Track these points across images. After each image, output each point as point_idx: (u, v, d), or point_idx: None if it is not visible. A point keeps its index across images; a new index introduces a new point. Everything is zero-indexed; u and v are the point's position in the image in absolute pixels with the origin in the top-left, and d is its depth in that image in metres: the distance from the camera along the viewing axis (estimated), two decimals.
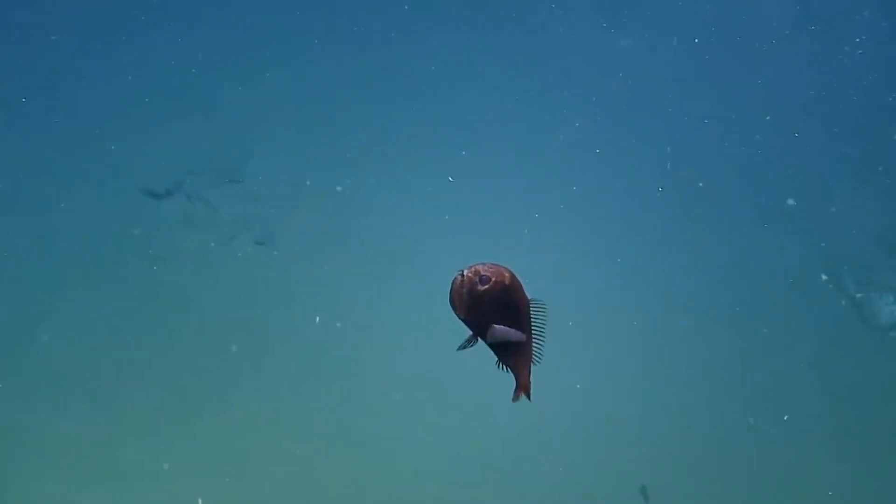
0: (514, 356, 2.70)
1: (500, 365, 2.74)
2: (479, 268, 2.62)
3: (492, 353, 2.74)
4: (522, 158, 7.26)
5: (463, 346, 2.68)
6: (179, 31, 7.55)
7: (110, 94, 7.54)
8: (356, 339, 6.92)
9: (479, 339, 2.68)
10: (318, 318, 7.04)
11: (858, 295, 7.12)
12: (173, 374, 6.90)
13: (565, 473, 6.53)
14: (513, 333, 2.64)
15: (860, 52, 7.19)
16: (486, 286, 2.60)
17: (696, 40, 7.64)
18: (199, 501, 6.59)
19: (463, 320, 2.65)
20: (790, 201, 7.33)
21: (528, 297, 2.69)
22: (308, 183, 7.25)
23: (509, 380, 2.69)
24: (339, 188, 7.24)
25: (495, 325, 2.64)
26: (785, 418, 6.75)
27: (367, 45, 7.49)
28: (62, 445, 6.74)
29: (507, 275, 2.62)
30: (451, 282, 2.66)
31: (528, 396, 2.71)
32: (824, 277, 7.17)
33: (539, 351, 2.73)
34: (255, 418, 6.87)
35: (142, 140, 7.40)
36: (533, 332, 2.71)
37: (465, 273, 2.62)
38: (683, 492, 6.63)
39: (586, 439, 6.62)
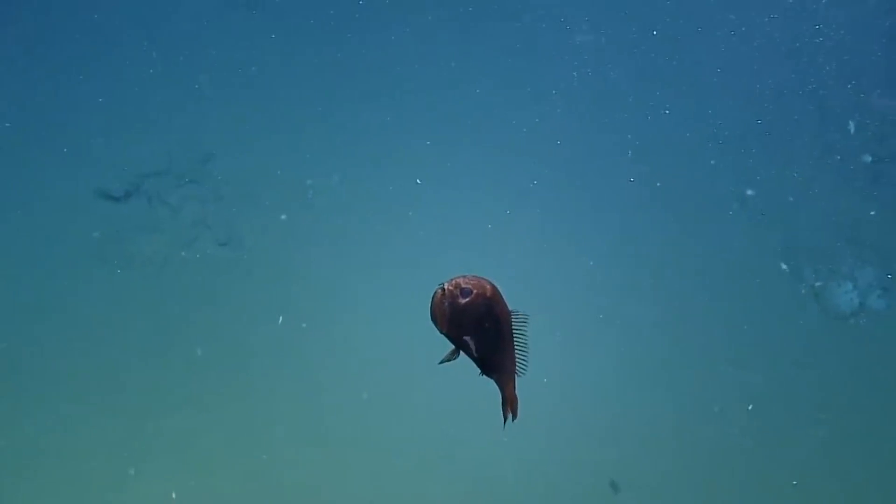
0: (498, 369, 2.70)
1: (482, 373, 2.73)
2: (460, 280, 2.61)
3: (474, 364, 2.73)
4: (486, 155, 7.26)
5: (445, 360, 2.67)
6: (133, 31, 7.43)
7: (60, 95, 7.41)
8: (322, 339, 6.89)
9: (461, 352, 2.68)
10: (280, 319, 7.00)
11: (818, 284, 7.20)
12: (138, 378, 6.83)
13: (537, 469, 6.55)
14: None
15: (819, 40, 7.26)
16: (468, 299, 2.59)
17: (655, 32, 7.66)
18: (173, 495, 6.56)
19: (445, 335, 2.64)
20: (749, 192, 7.39)
21: (510, 308, 2.69)
22: (271, 182, 7.19)
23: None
24: (302, 187, 7.19)
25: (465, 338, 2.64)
26: (749, 408, 6.83)
27: (326, 41, 7.43)
28: (24, 451, 6.66)
29: (488, 287, 2.62)
30: (431, 296, 2.64)
31: (515, 413, 2.71)
32: (784, 267, 7.25)
33: (523, 362, 2.73)
34: (222, 422, 6.82)
35: (97, 142, 7.28)
36: (515, 343, 2.71)
37: (445, 286, 2.61)
38: (653, 484, 6.69)
39: (557, 435, 6.65)
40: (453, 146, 7.29)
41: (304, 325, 6.96)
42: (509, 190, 7.21)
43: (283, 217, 7.13)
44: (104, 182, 7.11)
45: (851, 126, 7.35)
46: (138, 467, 6.64)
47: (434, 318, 2.57)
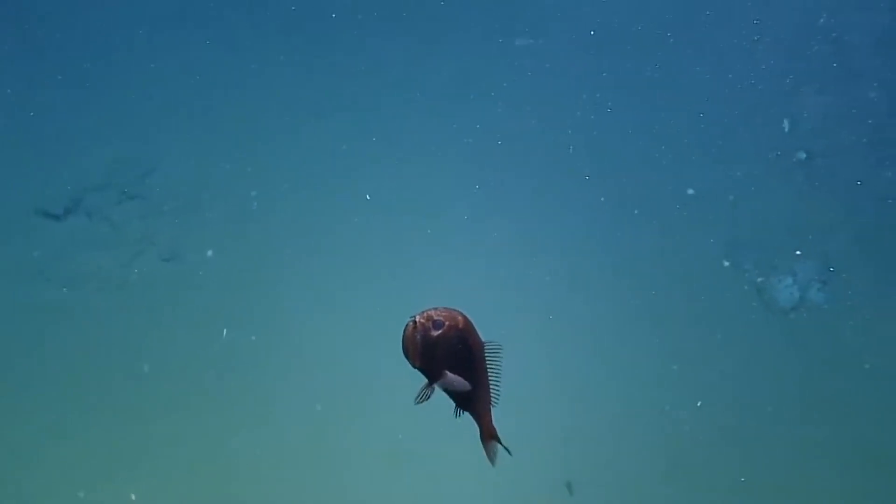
0: (473, 401, 2.70)
1: (458, 412, 2.73)
2: (432, 313, 2.60)
3: (448, 398, 2.72)
4: (433, 160, 7.25)
5: (421, 399, 2.65)
6: (66, 43, 7.28)
7: None
8: (273, 351, 6.85)
9: (436, 386, 2.66)
10: (224, 332, 6.94)
11: (759, 279, 7.31)
12: (84, 397, 6.74)
13: (493, 473, 6.56)
14: (459, 382, 2.63)
15: (757, 38, 7.35)
16: (441, 331, 2.58)
17: (592, 33, 7.69)
18: (133, 497, 6.50)
19: (418, 369, 2.63)
20: (690, 191, 7.47)
21: (482, 338, 2.69)
22: (214, 194, 7.11)
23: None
24: (247, 199, 7.13)
25: (447, 373, 2.63)
26: (698, 404, 6.91)
27: (265, 50, 7.36)
28: None
29: (460, 318, 2.61)
30: (402, 330, 2.63)
31: (501, 443, 2.71)
32: (726, 264, 7.34)
33: (496, 392, 2.73)
34: (171, 437, 6.75)
35: (30, 158, 7.12)
36: (489, 373, 2.71)
37: (417, 319, 2.60)
38: (605, 484, 6.75)
39: (509, 437, 6.66)
40: (398, 151, 7.27)
41: (253, 337, 6.91)
42: (460, 195, 7.21)
43: (229, 229, 7.06)
44: (43, 199, 6.97)
45: (786, 123, 7.47)
46: (88, 489, 6.55)
47: (406, 352, 2.55)
